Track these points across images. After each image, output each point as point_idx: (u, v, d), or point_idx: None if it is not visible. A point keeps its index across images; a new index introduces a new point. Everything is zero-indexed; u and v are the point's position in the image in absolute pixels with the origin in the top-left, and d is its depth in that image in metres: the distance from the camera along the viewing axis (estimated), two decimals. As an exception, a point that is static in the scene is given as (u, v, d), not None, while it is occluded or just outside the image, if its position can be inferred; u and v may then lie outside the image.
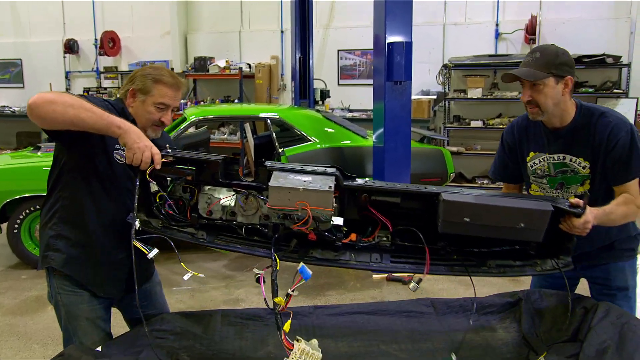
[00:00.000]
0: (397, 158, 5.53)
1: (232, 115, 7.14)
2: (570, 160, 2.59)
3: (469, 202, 2.14)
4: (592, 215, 2.20)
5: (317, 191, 2.07)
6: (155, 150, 2.20)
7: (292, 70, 9.46)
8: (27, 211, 5.79)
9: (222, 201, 2.35)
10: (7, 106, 13.05)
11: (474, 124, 9.68)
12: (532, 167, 2.71)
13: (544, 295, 2.63)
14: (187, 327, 2.61)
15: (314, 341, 2.17)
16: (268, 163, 2.24)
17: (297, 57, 9.09)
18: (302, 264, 2.16)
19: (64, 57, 12.55)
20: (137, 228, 2.23)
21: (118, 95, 2.62)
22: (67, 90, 12.63)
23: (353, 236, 2.33)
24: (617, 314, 2.32)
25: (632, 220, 2.59)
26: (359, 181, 2.28)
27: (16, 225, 5.81)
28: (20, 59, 13.21)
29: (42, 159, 6.17)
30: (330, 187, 2.09)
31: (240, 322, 2.66)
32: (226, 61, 10.98)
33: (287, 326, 2.09)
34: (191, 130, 9.32)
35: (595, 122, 2.52)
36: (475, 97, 9.61)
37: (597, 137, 2.50)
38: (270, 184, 2.09)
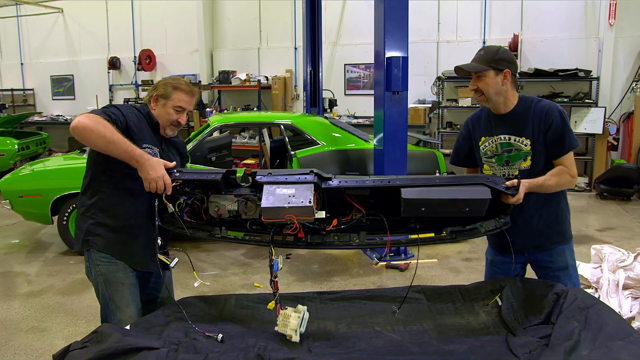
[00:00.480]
0: (395, 159, 5.45)
1: (250, 121, 7.08)
2: (515, 140, 2.67)
3: (424, 198, 2.28)
4: (524, 189, 2.39)
5: (300, 207, 2.19)
6: (167, 179, 2.39)
7: (303, 82, 9.40)
8: (74, 205, 5.78)
9: (227, 207, 2.50)
10: (61, 115, 13.17)
11: (463, 129, 9.55)
12: (483, 149, 2.78)
13: (523, 283, 2.55)
14: (205, 309, 2.56)
15: (300, 307, 2.30)
16: (258, 177, 2.35)
17: (308, 71, 9.02)
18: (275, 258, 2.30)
19: (108, 72, 12.58)
20: (160, 244, 2.46)
21: (143, 101, 2.79)
22: (111, 101, 12.68)
23: (335, 222, 2.44)
24: (584, 299, 2.25)
25: (566, 188, 2.70)
26: (334, 182, 2.35)
27: (65, 218, 5.80)
28: (72, 75, 13.31)
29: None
30: (310, 200, 2.20)
31: (252, 305, 2.62)
32: (246, 74, 10.95)
33: (271, 304, 2.28)
34: (215, 134, 9.39)
35: (533, 108, 2.64)
36: (466, 105, 9.49)
37: (535, 119, 2.62)
38: (262, 205, 2.21)
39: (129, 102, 11.86)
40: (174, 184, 2.43)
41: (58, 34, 13.30)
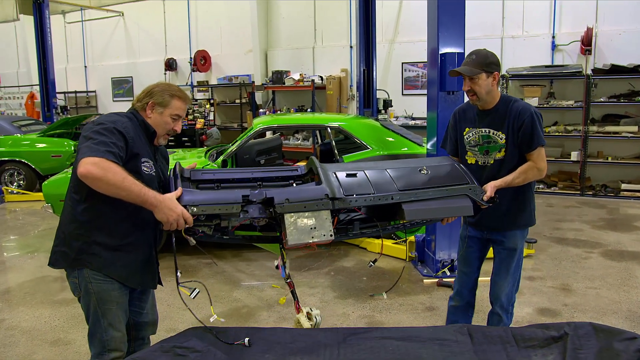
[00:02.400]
0: (449, 166, 4.94)
1: (295, 124, 6.70)
2: (492, 133, 2.99)
3: (421, 209, 2.59)
4: (492, 190, 2.79)
5: (322, 240, 2.37)
6: (187, 215, 2.26)
7: (357, 82, 8.96)
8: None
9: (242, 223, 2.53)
10: (120, 116, 13.34)
11: (530, 131, 8.82)
12: (467, 139, 3.10)
13: (594, 330, 2.04)
14: (210, 346, 2.21)
15: (314, 311, 2.46)
16: (277, 203, 2.35)
17: (362, 70, 8.59)
18: (280, 264, 2.61)
19: (165, 73, 12.63)
20: (179, 275, 2.36)
21: (132, 106, 2.56)
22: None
23: (335, 219, 2.61)
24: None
25: (534, 179, 3.01)
26: (348, 201, 2.47)
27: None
28: (131, 77, 13.50)
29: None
30: (331, 234, 2.38)
31: (265, 343, 2.23)
32: (300, 74, 10.63)
33: (282, 300, 2.64)
34: (269, 135, 9.13)
35: (510, 107, 2.96)
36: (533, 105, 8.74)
37: (511, 117, 2.94)
38: (289, 243, 2.33)
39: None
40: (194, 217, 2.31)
41: (119, 36, 13.53)
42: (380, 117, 9.07)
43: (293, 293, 2.55)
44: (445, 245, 5.09)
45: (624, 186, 8.48)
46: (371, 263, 2.88)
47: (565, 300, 4.52)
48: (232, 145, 5.92)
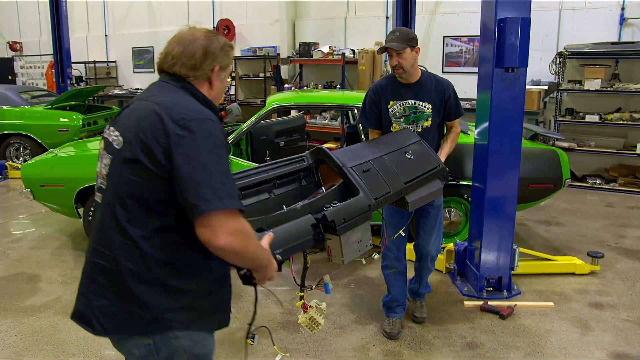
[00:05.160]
0: (503, 160, 3.95)
1: (314, 103, 5.67)
2: (419, 104, 3.33)
3: (417, 198, 2.80)
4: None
5: (366, 251, 2.36)
6: (276, 266, 1.76)
7: (392, 57, 7.88)
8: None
9: None
10: (140, 88, 12.61)
11: (589, 118, 7.62)
12: (392, 111, 3.36)
13: None
14: None
15: (323, 305, 2.21)
16: (340, 232, 2.16)
17: (398, 43, 7.51)
18: (327, 280, 2.22)
19: (186, 44, 11.76)
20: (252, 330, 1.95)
21: (180, 77, 1.74)
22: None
23: None
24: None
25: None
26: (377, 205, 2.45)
27: (91, 212, 4.87)
28: (152, 47, 12.67)
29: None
30: (371, 243, 2.40)
31: None
32: (329, 47, 9.59)
33: (299, 303, 2.16)
34: (293, 113, 8.17)
35: (433, 81, 3.37)
36: (593, 88, 7.54)
37: (437, 90, 3.35)
38: (345, 261, 2.23)
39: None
40: None
41: (141, 3, 12.67)
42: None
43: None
44: (493, 257, 4.11)
45: (698, 185, 7.26)
46: (376, 254, 3.04)
47: (649, 341, 3.51)
48: (243, 125, 5.01)
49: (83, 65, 13.15)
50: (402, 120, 3.35)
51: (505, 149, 3.93)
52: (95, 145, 5.54)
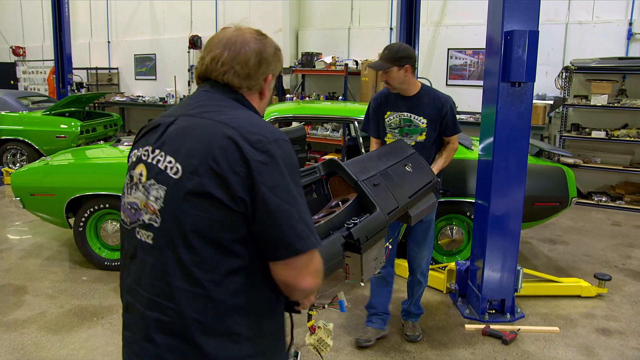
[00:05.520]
0: (508, 177, 3.80)
1: (313, 115, 5.52)
2: (414, 118, 3.37)
3: (418, 212, 2.71)
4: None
5: (380, 267, 2.27)
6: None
7: (395, 69, 7.73)
8: (94, 209, 4.67)
9: None
10: (142, 96, 12.51)
11: (595, 134, 7.48)
12: (388, 121, 3.44)
13: None
14: None
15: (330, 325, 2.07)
16: (363, 251, 2.05)
17: (402, 55, 7.38)
18: (342, 298, 2.04)
19: (188, 52, 11.67)
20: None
21: (231, 87, 1.49)
22: (189, 83, 11.80)
23: None
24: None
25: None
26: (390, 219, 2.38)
27: (82, 223, 4.72)
28: (155, 54, 12.60)
29: (114, 156, 5.08)
30: (385, 258, 2.33)
31: None
32: (332, 57, 9.48)
33: (309, 323, 2.01)
34: (295, 124, 8.02)
35: (432, 97, 3.39)
36: (600, 104, 7.40)
37: (434, 106, 3.35)
38: (364, 280, 2.12)
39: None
40: None
41: (143, 10, 12.60)
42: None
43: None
44: (496, 278, 3.94)
45: None
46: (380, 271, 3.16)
47: (660, 372, 3.34)
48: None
49: (85, 71, 13.06)
50: (396, 131, 3.41)
51: (510, 165, 3.78)
52: (94, 153, 5.42)
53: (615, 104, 7.38)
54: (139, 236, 1.40)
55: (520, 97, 3.62)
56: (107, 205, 4.65)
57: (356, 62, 9.48)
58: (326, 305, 2.04)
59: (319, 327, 2.03)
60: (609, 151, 7.69)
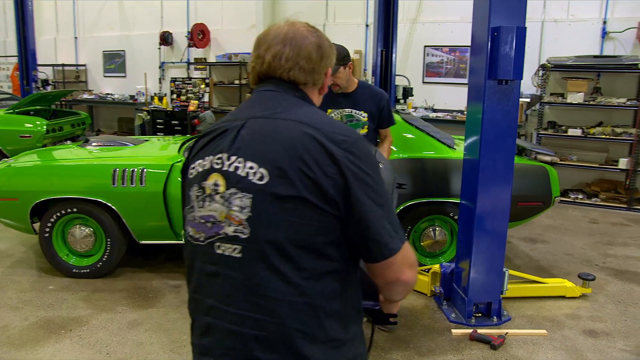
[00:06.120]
0: (495, 176, 3.69)
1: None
2: (355, 113, 3.57)
3: None
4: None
5: None
6: None
7: (373, 65, 7.60)
8: (60, 213, 4.42)
9: None
10: (111, 94, 12.14)
11: (571, 132, 7.48)
12: None
13: None
14: None
15: None
16: None
17: (379, 51, 7.27)
18: None
19: (159, 48, 11.35)
20: None
21: (292, 84, 1.44)
22: (160, 80, 11.48)
23: None
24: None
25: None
26: None
27: (47, 229, 4.46)
28: (124, 50, 12.24)
29: (83, 157, 4.82)
30: None
31: None
32: (308, 55, 9.31)
33: None
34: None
35: (370, 92, 3.63)
36: (576, 102, 7.41)
37: (372, 100, 3.58)
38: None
39: (176, 83, 10.58)
40: None
41: (113, 7, 12.21)
42: (398, 107, 7.79)
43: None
44: (482, 280, 3.84)
45: (680, 201, 7.16)
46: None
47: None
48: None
49: (51, 68, 12.60)
50: None
51: (497, 165, 3.68)
52: (61, 154, 5.11)
53: (591, 102, 7.40)
54: (220, 251, 1.31)
55: (508, 95, 3.52)
56: (74, 210, 4.40)
57: (332, 59, 9.33)
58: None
59: None
60: (584, 149, 7.71)
